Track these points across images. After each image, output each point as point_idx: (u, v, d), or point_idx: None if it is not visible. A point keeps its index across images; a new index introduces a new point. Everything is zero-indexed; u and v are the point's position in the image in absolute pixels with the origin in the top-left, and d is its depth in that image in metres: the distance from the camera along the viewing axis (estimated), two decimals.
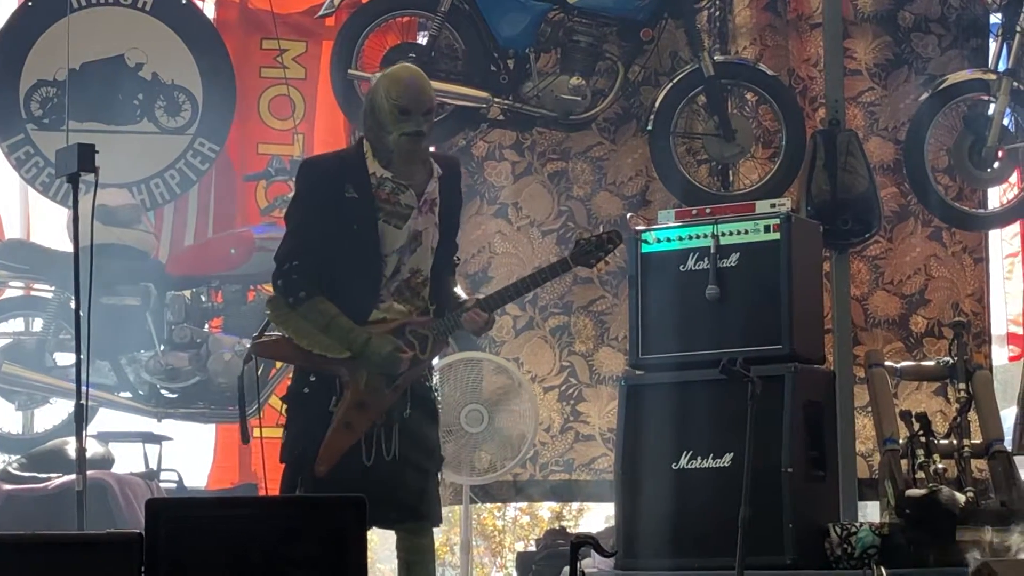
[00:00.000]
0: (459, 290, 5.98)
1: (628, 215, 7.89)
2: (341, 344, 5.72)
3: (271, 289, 8.21)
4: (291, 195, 8.20)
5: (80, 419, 5.86)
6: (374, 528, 5.79)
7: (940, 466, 7.02)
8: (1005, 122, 8.26)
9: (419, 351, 5.78)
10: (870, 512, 8.43)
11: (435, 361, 7.43)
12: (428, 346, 5.80)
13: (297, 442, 5.79)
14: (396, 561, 5.95)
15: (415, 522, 5.79)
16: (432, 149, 6.28)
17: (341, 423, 5.72)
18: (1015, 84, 8.17)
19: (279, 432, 6.22)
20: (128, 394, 8.25)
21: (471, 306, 5.84)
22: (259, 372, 8.16)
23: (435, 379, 6.05)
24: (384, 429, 5.75)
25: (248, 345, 8.05)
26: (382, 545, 5.74)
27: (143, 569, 4.35)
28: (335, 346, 5.73)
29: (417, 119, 5.69)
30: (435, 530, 6.02)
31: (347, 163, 5.81)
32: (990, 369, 8.35)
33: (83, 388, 5.85)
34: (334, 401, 5.75)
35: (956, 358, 7.40)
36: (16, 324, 8.31)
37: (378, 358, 5.71)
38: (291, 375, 5.99)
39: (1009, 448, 7.42)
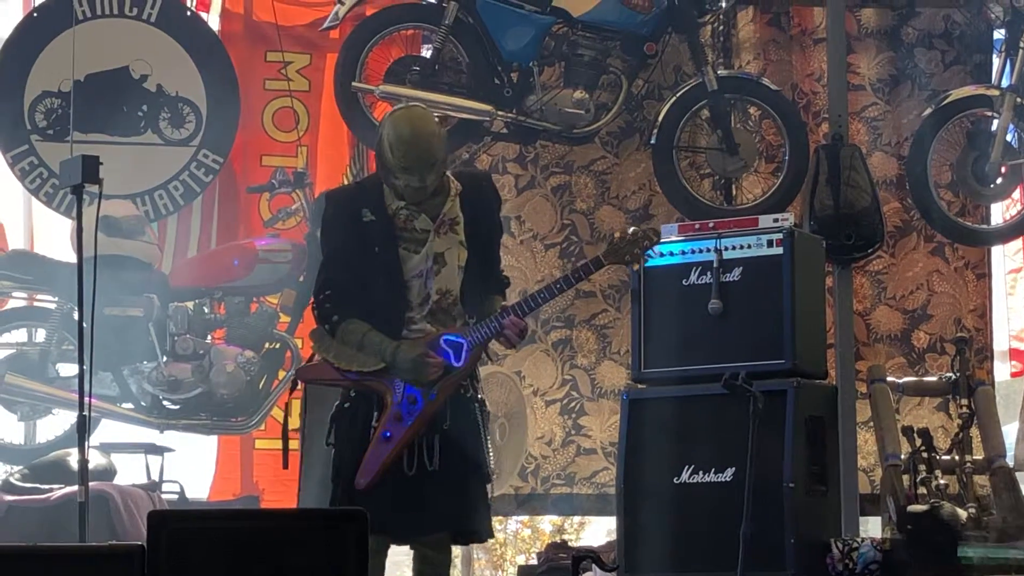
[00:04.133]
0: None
1: (631, 229, 7.89)
2: (375, 357, 5.79)
3: (274, 301, 8.29)
4: (294, 207, 8.28)
5: (82, 430, 5.86)
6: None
7: (942, 482, 7.02)
8: (1008, 138, 8.26)
9: (453, 359, 5.81)
10: (872, 527, 8.42)
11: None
12: (463, 354, 5.82)
13: (336, 457, 5.87)
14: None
15: (458, 531, 5.79)
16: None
17: (380, 436, 5.76)
18: (1018, 100, 8.18)
19: (279, 443, 6.26)
20: (130, 405, 8.24)
21: (506, 313, 5.84)
22: (261, 384, 8.19)
23: (480, 390, 6.01)
24: (426, 439, 5.78)
25: (251, 356, 8.13)
26: (391, 558, 5.78)
27: None
28: (370, 360, 5.81)
29: (421, 174, 5.76)
30: None
31: (365, 190, 5.98)
32: (992, 385, 8.35)
33: (86, 399, 5.85)
34: (375, 416, 5.79)
35: (958, 374, 7.41)
36: (19, 335, 8.31)
37: (406, 363, 5.75)
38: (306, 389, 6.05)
39: (1011, 464, 7.42)
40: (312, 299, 5.96)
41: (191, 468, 8.50)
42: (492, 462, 5.93)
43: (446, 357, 5.79)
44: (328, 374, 5.94)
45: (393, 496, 5.66)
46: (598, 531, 11.30)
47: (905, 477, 7.09)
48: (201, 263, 8.55)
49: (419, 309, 5.82)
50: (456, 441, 5.80)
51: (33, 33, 8.64)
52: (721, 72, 8.42)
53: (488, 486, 5.91)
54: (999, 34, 8.48)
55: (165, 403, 8.23)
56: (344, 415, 5.89)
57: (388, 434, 5.76)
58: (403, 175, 5.76)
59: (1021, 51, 8.19)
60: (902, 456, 7.18)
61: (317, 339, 5.94)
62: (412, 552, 5.91)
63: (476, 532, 5.85)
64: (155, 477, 8.02)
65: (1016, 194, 8.52)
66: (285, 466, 6.05)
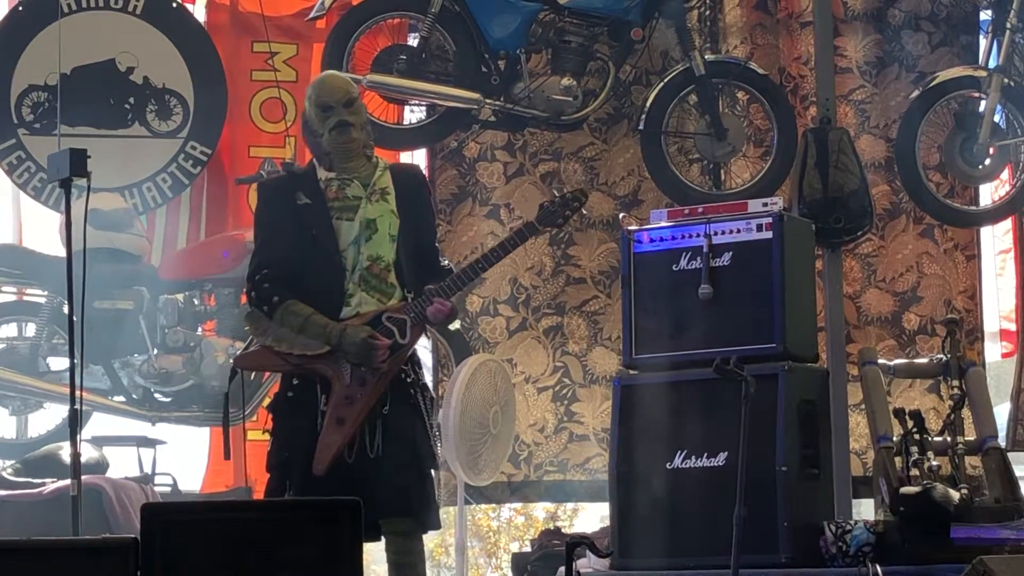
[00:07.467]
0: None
1: (620, 215, 7.89)
2: (319, 340, 5.75)
3: None
4: None
5: (74, 424, 5.86)
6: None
7: (934, 463, 7.02)
8: (996, 119, 8.26)
9: (398, 336, 5.79)
10: (865, 510, 8.44)
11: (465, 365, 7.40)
12: (407, 330, 5.81)
13: (283, 447, 5.81)
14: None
15: (401, 518, 5.75)
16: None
17: (332, 420, 5.73)
18: (1005, 81, 8.18)
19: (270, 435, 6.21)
20: (122, 398, 8.24)
21: (432, 295, 5.83)
22: (252, 376, 8.18)
23: (424, 375, 5.99)
24: (368, 425, 5.75)
25: (241, 347, 8.11)
26: (376, 545, 5.76)
27: (139, 574, 4.35)
28: (313, 343, 5.77)
29: (339, 111, 5.83)
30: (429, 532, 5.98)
31: (298, 176, 5.99)
32: (983, 366, 8.36)
33: (77, 392, 5.85)
34: (324, 400, 5.76)
35: (949, 355, 7.40)
36: (9, 329, 8.30)
37: (353, 347, 5.73)
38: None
39: (1003, 444, 7.43)
40: (247, 282, 5.91)
41: (183, 460, 8.51)
42: (438, 448, 5.91)
43: (390, 336, 5.77)
44: (268, 360, 5.92)
45: (336, 485, 5.59)
46: (592, 517, 11.35)
47: (897, 459, 7.09)
48: (190, 255, 8.54)
49: (353, 276, 5.81)
50: (396, 427, 5.77)
51: (18, 27, 8.62)
52: (708, 57, 8.42)
53: (433, 472, 5.86)
54: (986, 15, 8.48)
55: (157, 396, 8.23)
56: (289, 404, 5.85)
57: (342, 418, 5.73)
58: (324, 121, 5.80)
59: (1008, 32, 8.18)
60: (894, 438, 7.18)
61: (253, 322, 5.89)
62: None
63: (417, 516, 5.77)
64: (147, 470, 8.02)
65: (1004, 175, 8.52)
66: (227, 456, 6.03)
